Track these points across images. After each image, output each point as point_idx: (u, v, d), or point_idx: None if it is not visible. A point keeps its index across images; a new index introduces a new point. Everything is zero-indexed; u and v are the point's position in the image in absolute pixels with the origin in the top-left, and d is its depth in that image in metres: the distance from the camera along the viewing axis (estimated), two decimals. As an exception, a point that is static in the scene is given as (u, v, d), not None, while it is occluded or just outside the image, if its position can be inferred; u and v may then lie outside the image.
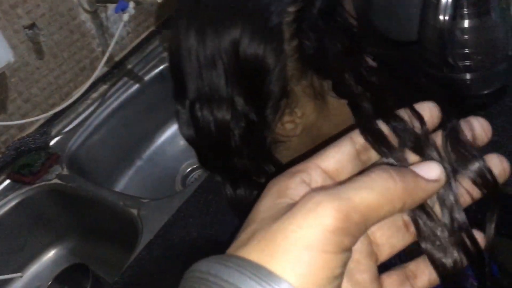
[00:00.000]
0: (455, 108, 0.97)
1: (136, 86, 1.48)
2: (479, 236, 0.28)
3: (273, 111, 0.45)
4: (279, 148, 0.49)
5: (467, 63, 0.89)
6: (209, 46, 0.44)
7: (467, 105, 0.94)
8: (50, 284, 1.11)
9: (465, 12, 0.85)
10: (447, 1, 0.77)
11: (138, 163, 1.47)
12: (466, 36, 0.87)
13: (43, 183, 1.23)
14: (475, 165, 0.28)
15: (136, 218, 1.04)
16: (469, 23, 0.86)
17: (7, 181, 1.25)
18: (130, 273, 0.90)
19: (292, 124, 0.47)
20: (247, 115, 0.44)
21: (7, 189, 1.24)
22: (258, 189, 0.50)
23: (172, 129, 1.49)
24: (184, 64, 0.46)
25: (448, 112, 0.29)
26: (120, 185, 1.40)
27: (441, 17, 0.78)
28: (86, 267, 1.09)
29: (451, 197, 0.26)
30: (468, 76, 0.91)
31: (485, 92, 0.94)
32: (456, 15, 0.85)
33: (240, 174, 0.49)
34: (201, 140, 0.47)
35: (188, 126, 0.47)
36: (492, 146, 0.89)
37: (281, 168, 0.49)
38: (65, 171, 1.24)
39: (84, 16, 1.42)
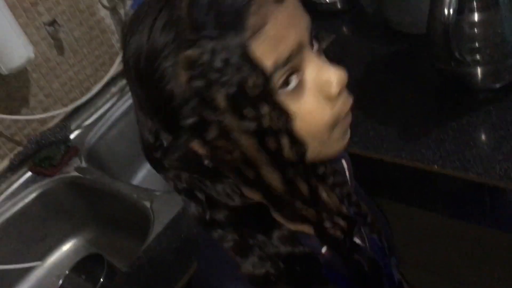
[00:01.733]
0: (463, 101, 0.94)
1: (154, 80, 1.50)
2: None
3: None
4: None
5: (476, 57, 0.88)
6: None
7: (477, 100, 0.93)
8: (68, 273, 1.15)
9: (474, 5, 0.84)
10: (451, -5, 0.76)
11: (156, 156, 1.50)
12: (475, 30, 0.86)
13: (62, 175, 1.27)
14: None
15: (149, 210, 1.06)
16: (478, 17, 0.85)
17: (29, 173, 1.30)
18: (140, 263, 0.93)
19: None
20: None
21: (29, 181, 1.29)
22: None
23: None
24: None
25: None
26: (138, 178, 1.43)
27: (445, 11, 0.77)
28: (101, 256, 1.13)
29: None
30: (477, 70, 0.90)
31: (495, 86, 0.92)
32: (464, 8, 0.84)
33: None
34: None
35: None
36: (500, 141, 0.89)
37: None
38: (83, 164, 1.28)
39: (103, 13, 1.46)
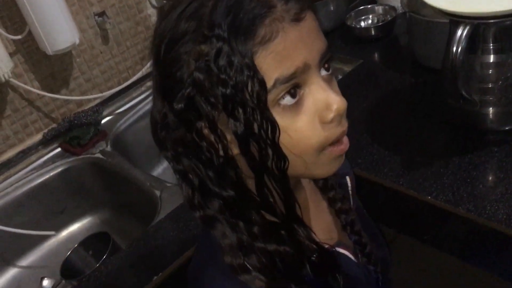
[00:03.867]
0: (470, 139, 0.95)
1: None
2: None
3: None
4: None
5: (486, 98, 0.90)
6: None
7: (483, 140, 0.95)
8: (76, 246, 1.23)
9: (488, 47, 0.86)
10: (461, 34, 0.79)
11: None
12: (487, 71, 0.88)
13: (87, 155, 1.36)
14: None
15: (158, 198, 1.13)
16: (491, 58, 0.87)
17: (58, 149, 1.39)
18: (138, 245, 0.99)
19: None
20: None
21: (57, 156, 1.38)
22: None
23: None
24: None
25: None
26: (158, 170, 1.50)
27: (454, 49, 0.79)
28: (109, 235, 1.20)
29: None
30: (486, 110, 0.91)
31: (503, 128, 0.94)
32: (478, 49, 0.86)
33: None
34: None
35: None
36: (497, 183, 0.90)
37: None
38: (108, 148, 1.36)
39: (151, 11, 1.55)
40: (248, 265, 0.52)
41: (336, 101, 0.49)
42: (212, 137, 0.49)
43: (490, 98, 0.90)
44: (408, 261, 1.03)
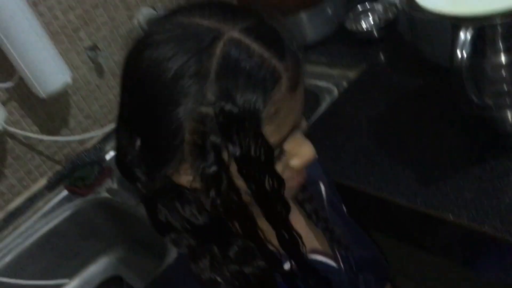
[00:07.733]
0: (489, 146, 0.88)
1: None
2: None
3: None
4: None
5: (503, 101, 0.82)
6: None
7: (504, 146, 0.87)
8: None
9: (498, 47, 0.79)
10: (465, 38, 0.72)
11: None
12: (500, 72, 0.80)
13: (94, 196, 1.32)
14: None
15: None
16: (503, 59, 0.79)
17: (65, 192, 1.36)
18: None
19: None
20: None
21: (64, 199, 1.35)
22: None
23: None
24: None
25: None
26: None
27: (458, 54, 0.72)
28: (121, 279, 1.16)
29: None
30: (503, 114, 0.84)
31: (523, 131, 0.86)
32: (486, 50, 0.79)
33: None
34: None
35: None
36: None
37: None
38: (115, 185, 1.32)
39: (143, 37, 1.50)
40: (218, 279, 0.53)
41: (311, 152, 0.52)
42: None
43: (507, 101, 0.82)
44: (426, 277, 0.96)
